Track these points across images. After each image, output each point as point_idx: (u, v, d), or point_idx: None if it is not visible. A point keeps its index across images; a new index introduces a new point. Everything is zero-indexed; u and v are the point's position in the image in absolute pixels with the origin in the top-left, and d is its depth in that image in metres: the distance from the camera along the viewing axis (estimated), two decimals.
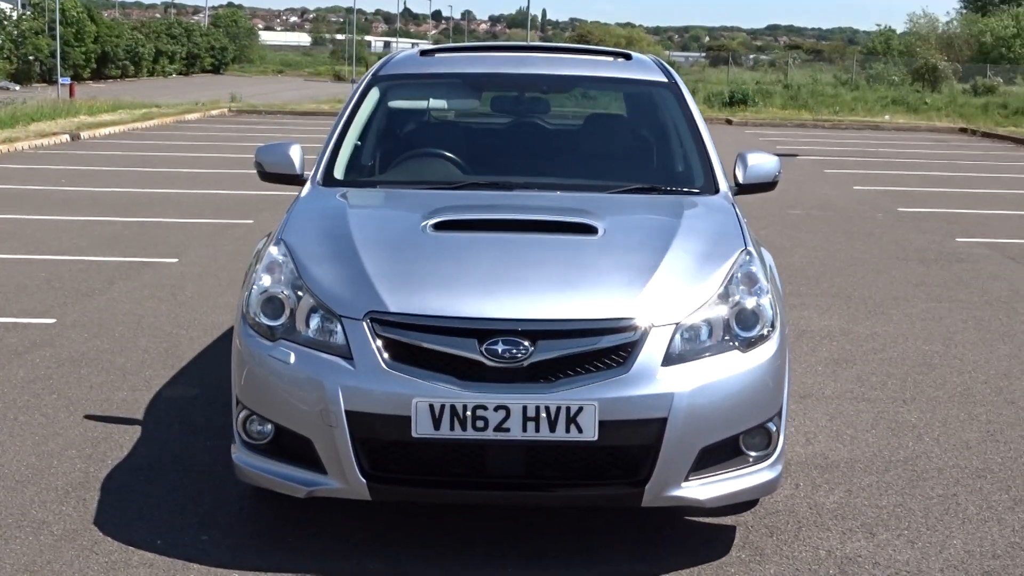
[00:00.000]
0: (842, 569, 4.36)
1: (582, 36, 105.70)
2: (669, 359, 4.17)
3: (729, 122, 34.09)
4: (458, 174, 5.58)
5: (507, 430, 4.07)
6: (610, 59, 6.36)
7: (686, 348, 4.22)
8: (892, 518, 4.84)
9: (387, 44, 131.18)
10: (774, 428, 4.38)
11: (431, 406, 4.07)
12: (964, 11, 79.36)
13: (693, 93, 6.75)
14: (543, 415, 4.06)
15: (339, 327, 4.24)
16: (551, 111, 6.26)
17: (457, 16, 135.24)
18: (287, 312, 4.38)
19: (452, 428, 4.08)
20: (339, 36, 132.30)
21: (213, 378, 6.63)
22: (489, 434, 4.08)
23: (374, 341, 4.17)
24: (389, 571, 4.30)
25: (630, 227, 4.90)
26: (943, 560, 4.45)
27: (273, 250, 4.63)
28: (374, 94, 5.92)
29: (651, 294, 4.29)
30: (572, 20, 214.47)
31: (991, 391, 6.80)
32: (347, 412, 4.12)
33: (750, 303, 4.39)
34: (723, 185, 5.49)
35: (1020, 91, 48.34)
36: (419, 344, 4.14)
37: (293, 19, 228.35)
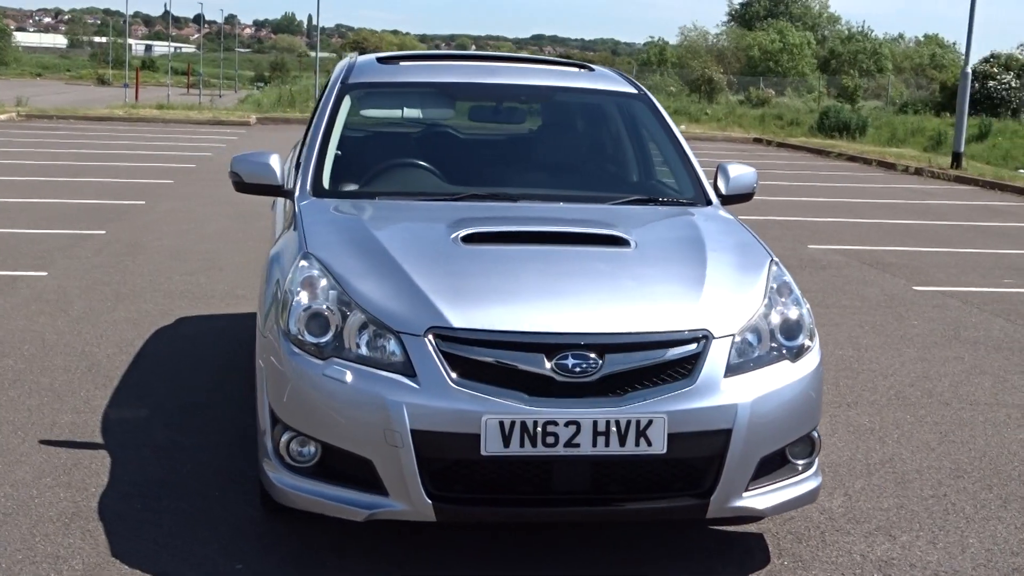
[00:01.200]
0: (884, 572, 4.47)
1: (357, 43, 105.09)
2: (730, 370, 4.20)
3: None
4: (452, 186, 5.47)
5: (577, 445, 4.03)
6: (575, 70, 6.38)
7: (742, 359, 4.26)
8: (902, 520, 4.98)
9: (148, 47, 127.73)
10: (816, 436, 4.46)
11: (501, 423, 3.99)
12: (731, 25, 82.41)
13: None
14: (613, 429, 4.03)
15: (396, 344, 4.11)
16: (526, 122, 6.23)
17: (220, 20, 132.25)
18: (333, 329, 4.23)
19: (522, 445, 4.01)
20: (97, 39, 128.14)
21: (155, 397, 6.34)
22: (559, 450, 4.03)
23: (438, 358, 4.06)
24: None
25: (658, 239, 4.92)
26: (970, 559, 4.61)
27: (304, 264, 4.46)
28: (347, 102, 5.76)
29: (709, 305, 4.32)
30: (338, 26, 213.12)
31: (922, 393, 7.08)
32: (413, 431, 4.00)
33: (793, 313, 4.46)
34: (713, 197, 5.57)
35: (790, 103, 50.58)
36: (486, 360, 4.06)
37: (47, 20, 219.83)
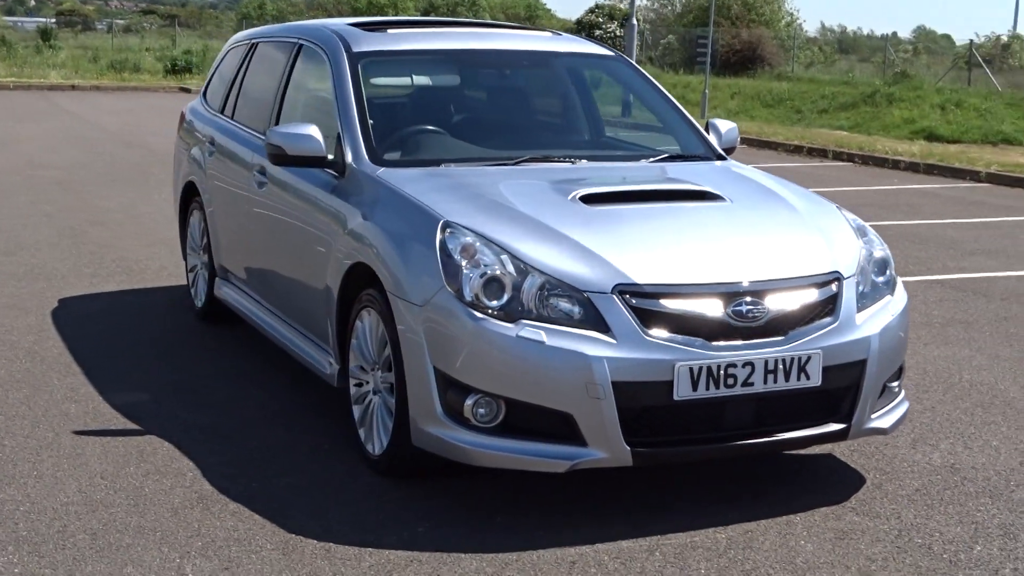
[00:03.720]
0: (955, 472, 5.10)
1: None
2: (858, 306, 4.70)
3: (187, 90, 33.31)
4: (505, 150, 5.61)
5: (751, 384, 4.41)
6: (548, 34, 6.62)
7: (861, 296, 4.76)
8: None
9: None
10: (903, 363, 5.03)
11: (691, 369, 4.32)
12: None
13: None
14: (780, 367, 4.45)
15: (581, 303, 4.34)
16: (527, 85, 6.39)
17: None
18: (509, 292, 4.38)
19: (707, 388, 4.36)
20: None
21: (151, 383, 6.14)
22: (737, 390, 4.40)
23: (629, 313, 4.32)
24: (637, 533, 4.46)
25: (740, 193, 5.26)
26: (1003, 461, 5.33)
27: (452, 232, 4.55)
28: (358, 71, 5.75)
29: (834, 248, 4.80)
30: None
31: None
32: (613, 383, 4.25)
33: (878, 252, 5.00)
34: (720, 150, 6.00)
35: None
36: (671, 312, 4.36)
37: None
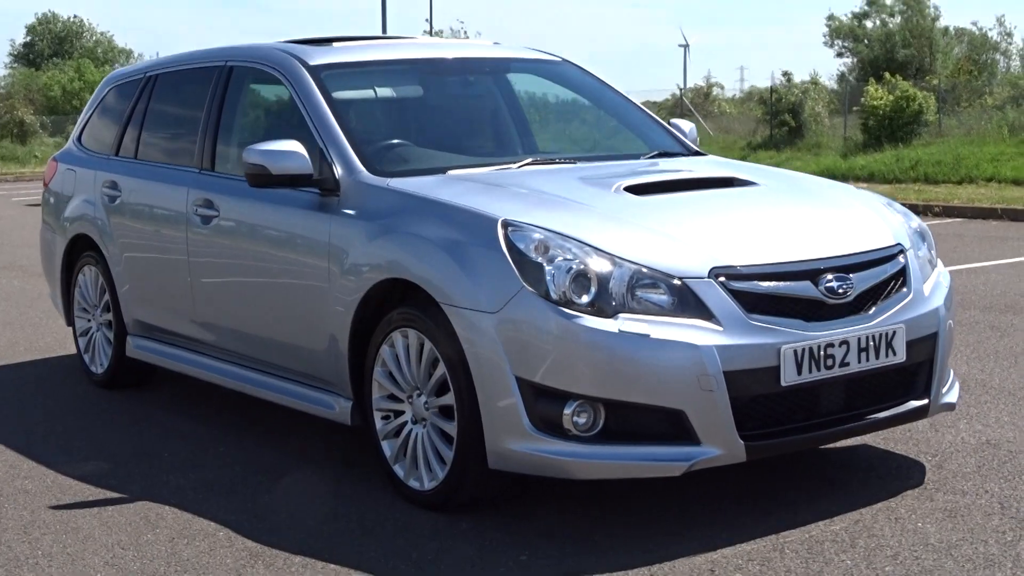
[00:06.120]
0: (996, 447, 5.03)
1: None
2: (920, 279, 4.59)
3: None
4: (503, 156, 5.31)
5: (847, 364, 4.22)
6: (488, 43, 6.34)
7: (920, 269, 4.65)
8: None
9: None
10: None
11: (795, 352, 4.09)
12: (15, 66, 78.23)
13: None
14: (871, 343, 4.27)
15: (674, 290, 4.06)
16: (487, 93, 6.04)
17: None
18: (596, 286, 4.04)
19: (810, 371, 4.14)
20: None
21: (100, 452, 5.44)
22: (835, 371, 4.20)
23: (730, 297, 4.06)
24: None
25: (760, 178, 5.07)
26: None
27: (516, 231, 4.17)
28: (323, 83, 5.29)
29: (887, 220, 4.68)
30: None
31: None
32: (725, 373, 3.97)
33: (914, 223, 4.90)
34: (694, 146, 5.83)
35: None
36: (768, 293, 4.14)
37: None
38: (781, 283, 4.17)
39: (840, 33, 52.78)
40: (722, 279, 4.09)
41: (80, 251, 6.81)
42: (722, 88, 49.04)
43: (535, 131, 6.03)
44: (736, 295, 4.08)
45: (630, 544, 4.07)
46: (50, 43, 79.07)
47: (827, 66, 71.75)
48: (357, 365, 4.73)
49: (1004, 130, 23.14)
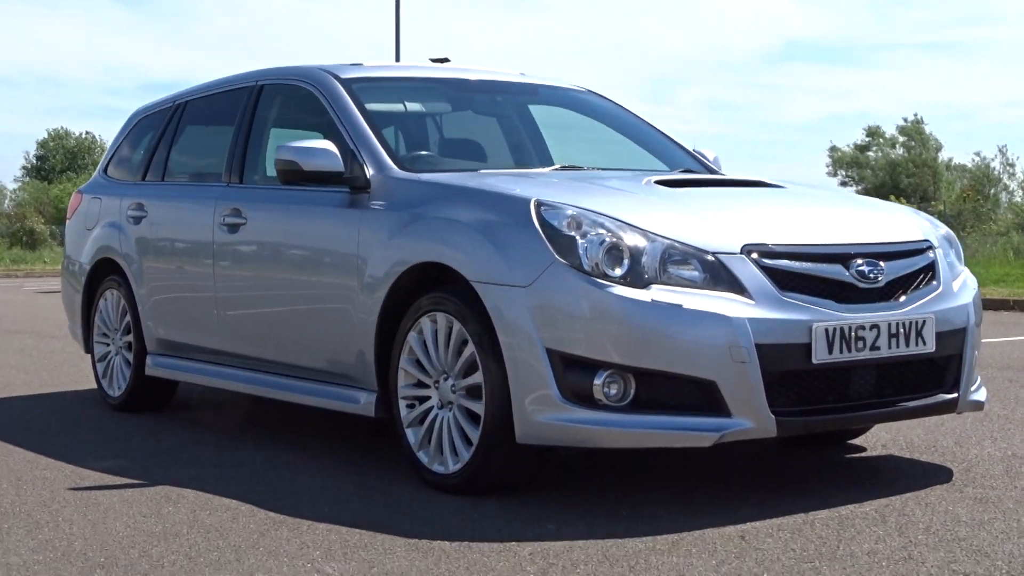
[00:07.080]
0: (1021, 458, 4.99)
1: None
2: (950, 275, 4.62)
3: None
4: (532, 165, 5.37)
5: (878, 348, 4.22)
6: (515, 72, 6.45)
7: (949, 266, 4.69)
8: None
9: None
10: None
11: (826, 330, 4.10)
12: (29, 179, 79.36)
13: None
14: (901, 331, 4.28)
15: (707, 266, 4.09)
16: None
17: None
18: (629, 259, 4.07)
19: (841, 351, 4.14)
20: None
21: (120, 452, 5.42)
22: (865, 353, 4.19)
23: (763, 273, 4.09)
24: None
25: (793, 185, 5.13)
26: None
27: (546, 208, 4.21)
28: (355, 94, 5.38)
29: (920, 224, 4.72)
30: None
31: None
32: (757, 346, 3.98)
33: (942, 228, 4.93)
34: (717, 169, 5.91)
35: None
36: (800, 272, 4.17)
37: None
38: (812, 264, 4.20)
39: (843, 163, 53.40)
40: (754, 255, 4.12)
41: (102, 276, 6.84)
42: None
43: (560, 151, 6.13)
44: (768, 272, 4.11)
45: (657, 518, 4.03)
46: (62, 158, 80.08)
47: None
48: (383, 355, 4.73)
49: (1009, 253, 23.32)
